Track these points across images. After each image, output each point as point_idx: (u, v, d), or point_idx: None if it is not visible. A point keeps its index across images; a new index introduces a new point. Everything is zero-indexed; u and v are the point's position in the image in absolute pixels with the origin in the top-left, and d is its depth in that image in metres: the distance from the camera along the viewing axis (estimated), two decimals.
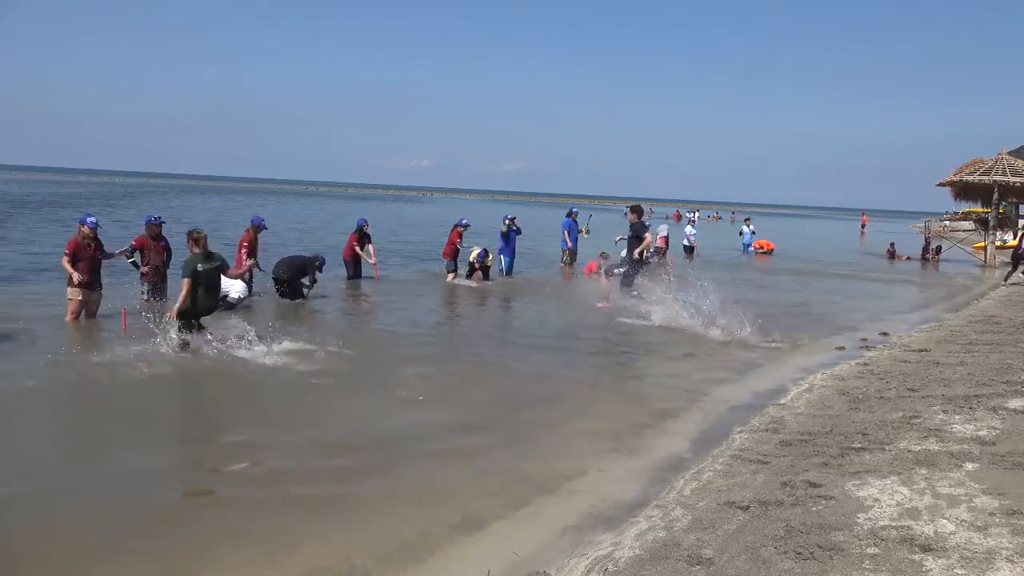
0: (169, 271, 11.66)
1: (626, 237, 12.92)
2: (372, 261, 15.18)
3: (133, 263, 11.33)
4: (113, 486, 4.95)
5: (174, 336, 8.30)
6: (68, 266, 9.73)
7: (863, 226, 57.71)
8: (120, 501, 4.74)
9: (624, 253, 19.97)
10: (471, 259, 15.89)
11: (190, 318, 8.46)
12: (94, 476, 5.13)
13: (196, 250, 8.53)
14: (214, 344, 8.29)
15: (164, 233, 11.70)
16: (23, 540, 4.22)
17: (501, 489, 5.11)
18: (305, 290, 12.41)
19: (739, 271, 22.30)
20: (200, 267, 8.43)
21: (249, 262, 11.94)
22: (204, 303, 8.59)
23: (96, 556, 4.08)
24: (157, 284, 11.32)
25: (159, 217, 11.73)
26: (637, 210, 12.91)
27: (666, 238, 23.54)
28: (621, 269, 18.85)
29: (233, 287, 11.08)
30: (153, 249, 11.28)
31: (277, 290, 12.23)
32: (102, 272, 10.31)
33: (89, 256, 9.93)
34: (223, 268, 8.84)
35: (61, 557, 4.05)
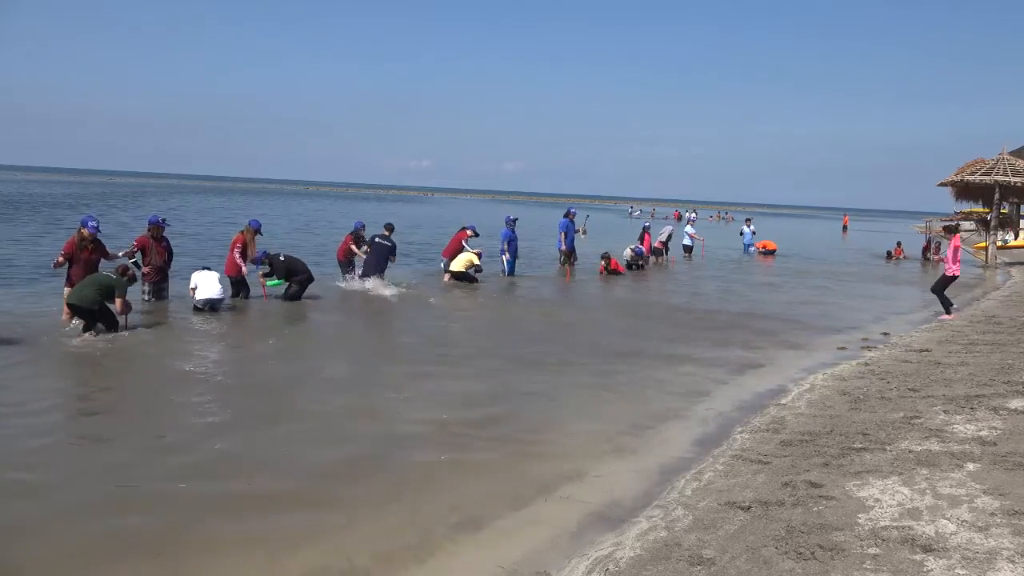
0: (170, 271, 11.71)
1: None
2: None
3: (135, 263, 11.34)
4: (106, 484, 4.94)
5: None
6: (60, 260, 9.80)
7: (845, 227, 60.48)
8: (116, 500, 4.73)
9: (628, 249, 20.18)
10: (478, 262, 15.80)
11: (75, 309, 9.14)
12: (85, 475, 5.11)
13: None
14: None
15: (165, 234, 11.71)
16: (18, 537, 4.21)
17: (501, 489, 5.10)
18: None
19: (739, 270, 22.31)
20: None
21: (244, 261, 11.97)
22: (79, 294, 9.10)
23: (94, 555, 4.06)
24: (159, 284, 11.34)
25: (164, 219, 11.74)
26: (389, 228, 14.97)
27: (664, 242, 23.55)
28: (637, 258, 19.33)
29: (208, 289, 10.82)
30: (155, 249, 11.29)
31: (292, 293, 12.22)
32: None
33: (85, 258, 9.89)
34: (112, 285, 9.24)
35: (58, 556, 4.04)
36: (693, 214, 38.47)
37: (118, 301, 9.14)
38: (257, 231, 12.63)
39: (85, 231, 9.96)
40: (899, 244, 30.08)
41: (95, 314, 9.04)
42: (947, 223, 14.92)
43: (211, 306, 10.85)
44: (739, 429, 6.55)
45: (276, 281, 12.30)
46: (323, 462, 5.51)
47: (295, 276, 12.37)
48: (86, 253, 9.94)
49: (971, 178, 25.75)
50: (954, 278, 13.36)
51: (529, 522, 4.64)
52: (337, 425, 6.36)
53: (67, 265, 9.88)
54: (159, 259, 11.34)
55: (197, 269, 11.37)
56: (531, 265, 19.34)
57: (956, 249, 13.38)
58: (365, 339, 9.98)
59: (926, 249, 28.78)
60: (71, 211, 32.75)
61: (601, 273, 18.19)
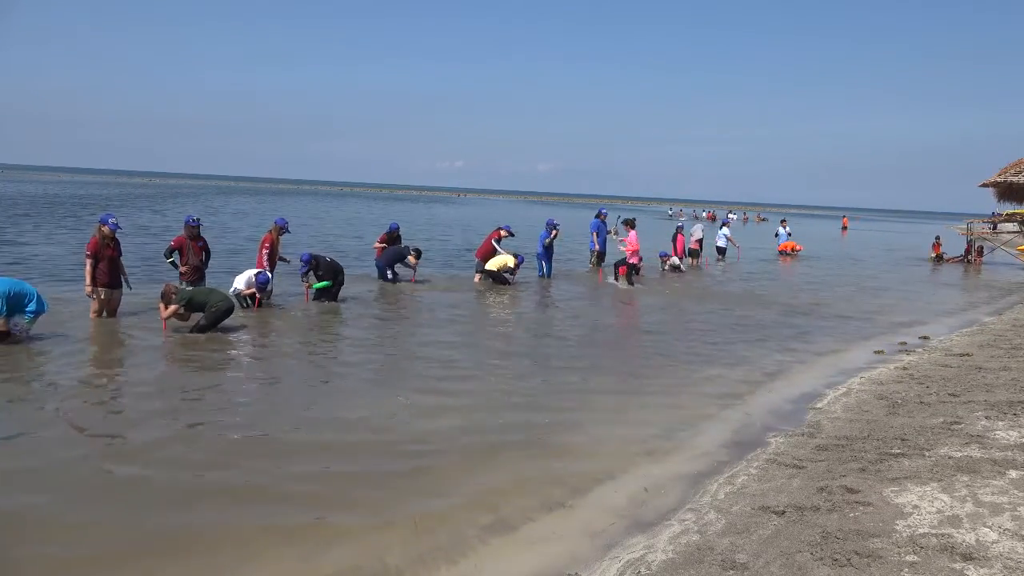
0: (208, 271, 11.91)
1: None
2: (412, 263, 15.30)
3: (172, 263, 11.55)
4: (142, 480, 5.02)
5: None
6: (89, 269, 9.84)
7: (844, 227, 61.37)
8: (151, 495, 4.80)
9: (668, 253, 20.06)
10: (512, 265, 15.72)
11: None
12: (125, 471, 5.22)
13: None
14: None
15: (202, 234, 11.91)
16: (47, 529, 4.29)
17: (532, 491, 5.10)
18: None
19: (772, 272, 22.02)
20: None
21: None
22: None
23: (127, 550, 4.12)
24: (196, 283, 11.51)
25: (197, 219, 11.92)
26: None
27: (700, 240, 23.47)
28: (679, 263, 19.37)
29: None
30: (191, 249, 11.48)
31: (323, 297, 12.37)
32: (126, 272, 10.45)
33: (109, 256, 10.01)
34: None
35: (92, 550, 4.11)
36: (733, 215, 38.07)
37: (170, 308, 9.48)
38: (284, 229, 12.86)
39: (106, 229, 10.00)
40: (938, 243, 29.27)
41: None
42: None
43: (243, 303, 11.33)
44: (773, 433, 6.47)
45: (323, 283, 12.40)
46: (354, 461, 5.56)
47: (339, 277, 12.54)
48: (108, 251, 10.02)
49: (1015, 179, 25.12)
50: (636, 265, 16.63)
51: (560, 524, 4.63)
52: (362, 425, 6.39)
53: (94, 264, 9.89)
54: (196, 259, 11.53)
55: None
56: (563, 266, 19.30)
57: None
58: (387, 339, 10.03)
59: (967, 251, 28.15)
60: (103, 211, 33.35)
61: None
